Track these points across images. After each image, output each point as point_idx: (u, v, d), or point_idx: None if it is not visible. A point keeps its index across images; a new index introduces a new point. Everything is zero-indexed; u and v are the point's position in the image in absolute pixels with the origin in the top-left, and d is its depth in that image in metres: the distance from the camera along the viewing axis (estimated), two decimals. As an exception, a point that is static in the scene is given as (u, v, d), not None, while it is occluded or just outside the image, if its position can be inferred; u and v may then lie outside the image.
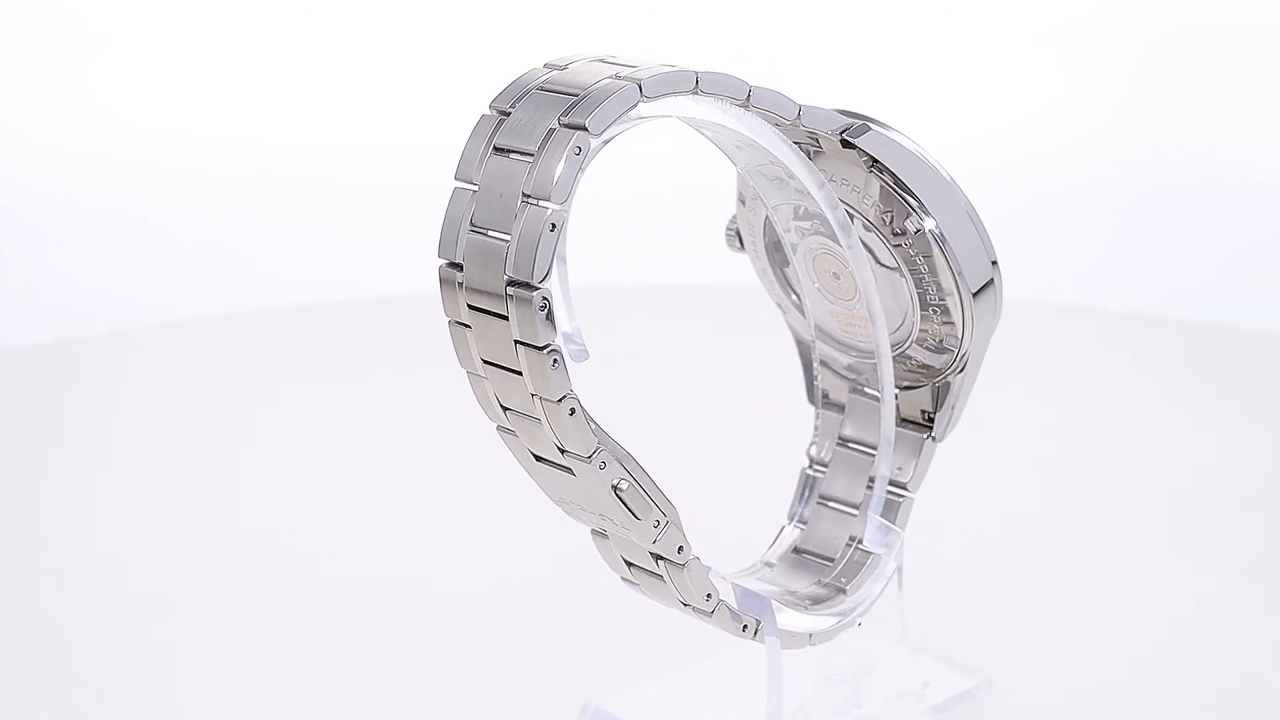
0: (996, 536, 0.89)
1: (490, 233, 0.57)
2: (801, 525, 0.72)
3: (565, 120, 0.57)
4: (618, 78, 0.58)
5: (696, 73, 0.59)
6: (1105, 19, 1.64)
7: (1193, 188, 1.60)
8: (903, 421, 0.70)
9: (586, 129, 0.56)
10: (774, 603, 0.67)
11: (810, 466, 0.72)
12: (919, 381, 0.69)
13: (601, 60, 0.60)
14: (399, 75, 1.64)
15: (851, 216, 0.66)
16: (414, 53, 1.65)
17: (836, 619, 0.69)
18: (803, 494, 0.72)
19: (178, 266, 1.57)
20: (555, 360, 0.58)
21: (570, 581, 0.82)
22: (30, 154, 1.63)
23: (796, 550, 0.72)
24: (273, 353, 1.19)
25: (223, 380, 1.13)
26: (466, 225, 0.58)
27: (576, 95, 0.57)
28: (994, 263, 0.66)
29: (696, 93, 0.59)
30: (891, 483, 0.70)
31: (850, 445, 0.71)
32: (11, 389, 1.13)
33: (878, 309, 0.67)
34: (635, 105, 0.57)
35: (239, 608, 0.83)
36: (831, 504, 0.72)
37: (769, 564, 0.72)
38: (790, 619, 0.68)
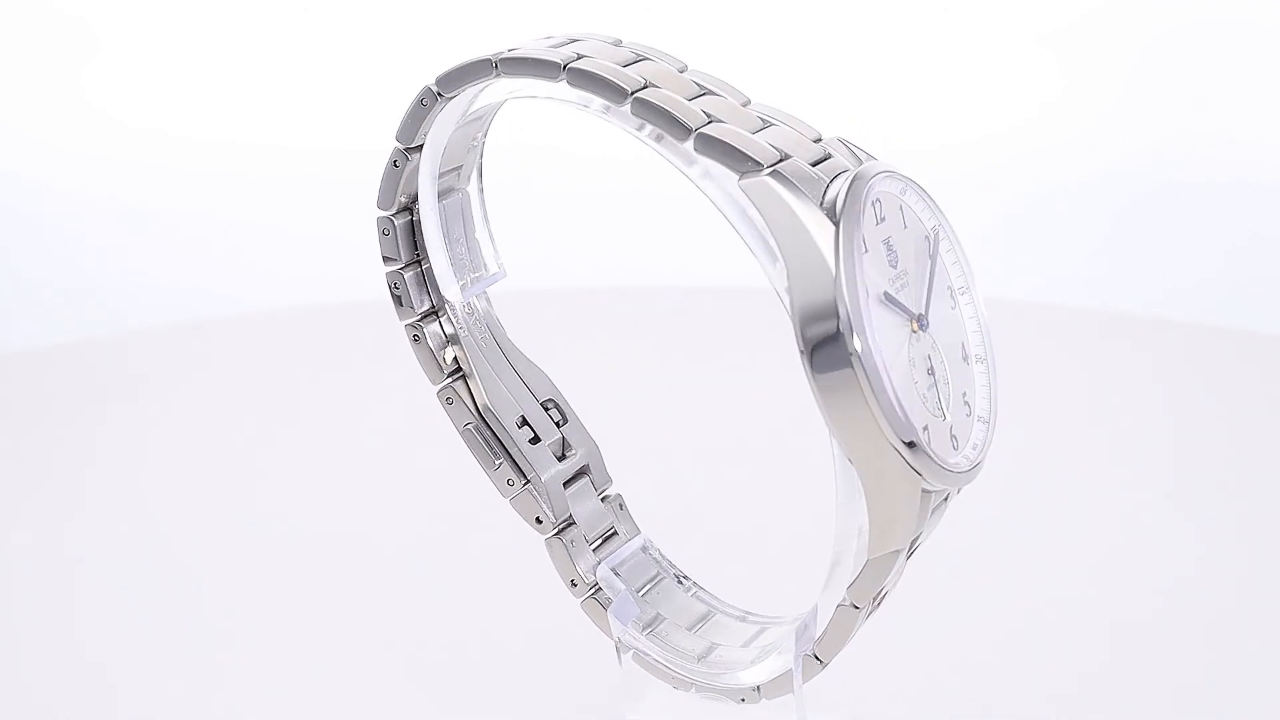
0: (994, 537, 0.89)
1: None
2: None
3: (436, 75, 0.62)
4: (500, 51, 0.60)
5: (566, 61, 0.58)
6: (1103, 20, 1.65)
7: (1193, 188, 1.60)
8: None
9: (436, 87, 0.61)
10: (644, 637, 0.67)
11: None
12: None
13: (552, 41, 0.61)
14: (400, 76, 1.64)
15: None
16: (415, 53, 1.65)
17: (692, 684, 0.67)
18: None
19: (177, 267, 1.57)
20: (395, 285, 0.65)
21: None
22: (29, 154, 1.63)
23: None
24: (273, 353, 1.19)
25: (222, 380, 1.13)
26: None
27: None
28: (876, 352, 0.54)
29: (561, 81, 0.58)
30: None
31: None
32: (10, 389, 1.13)
33: None
34: (492, 78, 0.60)
35: (248, 607, 0.83)
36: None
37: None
38: (666, 657, 0.67)
